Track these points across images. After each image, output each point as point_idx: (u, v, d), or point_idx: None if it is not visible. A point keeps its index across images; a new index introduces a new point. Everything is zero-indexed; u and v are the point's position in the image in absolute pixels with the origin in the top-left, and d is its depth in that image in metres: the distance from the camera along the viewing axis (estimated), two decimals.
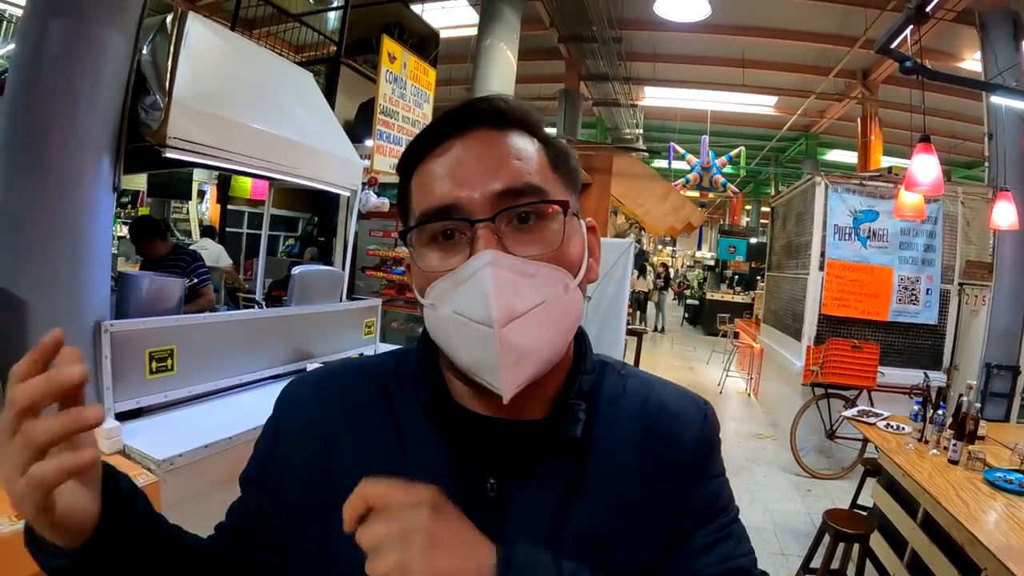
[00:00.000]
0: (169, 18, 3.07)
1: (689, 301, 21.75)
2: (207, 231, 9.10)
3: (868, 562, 3.80)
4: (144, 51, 2.93)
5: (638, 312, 17.70)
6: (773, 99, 15.19)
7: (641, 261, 19.66)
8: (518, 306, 0.70)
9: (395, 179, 0.88)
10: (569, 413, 0.82)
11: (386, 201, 6.38)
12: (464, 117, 0.78)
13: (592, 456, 0.83)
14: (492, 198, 0.73)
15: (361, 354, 4.16)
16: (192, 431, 2.76)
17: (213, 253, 7.59)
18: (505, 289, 0.70)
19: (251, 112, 3.41)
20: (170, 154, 2.87)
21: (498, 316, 0.69)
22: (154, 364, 2.87)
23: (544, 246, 0.75)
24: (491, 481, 0.79)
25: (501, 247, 0.73)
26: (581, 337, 0.88)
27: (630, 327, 9.72)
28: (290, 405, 0.90)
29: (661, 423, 0.88)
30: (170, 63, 2.92)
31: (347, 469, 0.77)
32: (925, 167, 4.49)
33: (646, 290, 18.32)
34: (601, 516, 0.80)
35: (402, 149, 0.85)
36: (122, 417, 2.71)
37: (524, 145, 0.78)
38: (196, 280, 4.73)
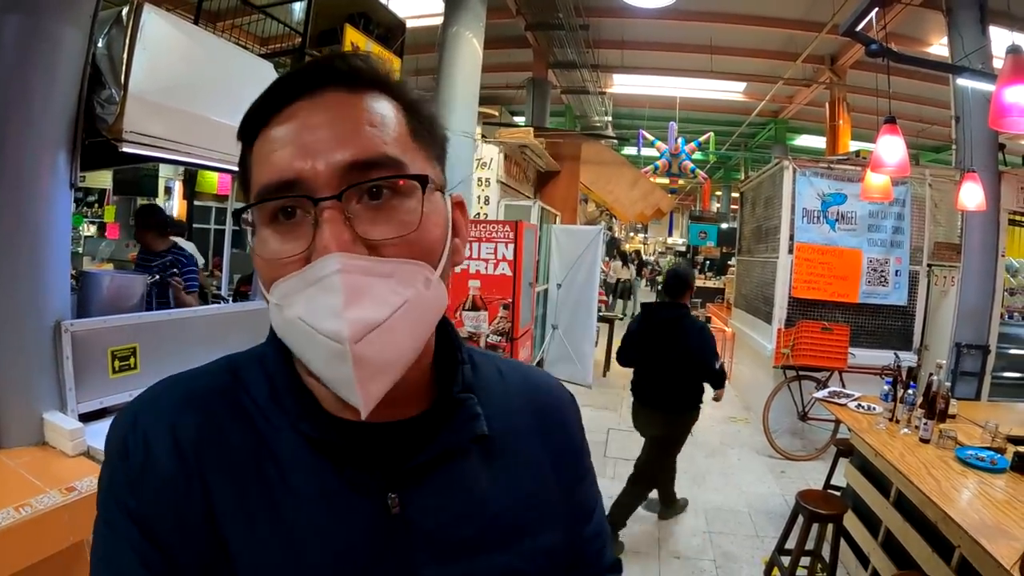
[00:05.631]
0: (124, 10, 3.00)
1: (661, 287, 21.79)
2: (177, 229, 8.91)
3: (843, 542, 3.83)
4: (99, 44, 2.86)
5: (618, 300, 17.80)
6: (741, 85, 15.24)
7: (619, 249, 19.75)
8: (374, 316, 0.63)
9: None
10: (464, 409, 0.79)
11: None
12: (314, 76, 0.70)
13: (497, 449, 0.81)
14: (339, 171, 0.65)
15: None
16: None
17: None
18: (358, 299, 0.63)
19: (210, 104, 3.34)
20: (127, 148, 2.80)
21: (351, 334, 0.62)
22: (117, 363, 2.81)
23: (401, 226, 0.68)
24: (391, 496, 0.72)
25: (350, 231, 0.65)
26: (444, 323, 0.81)
27: (601, 314, 9.76)
28: (136, 455, 0.70)
29: (550, 409, 0.92)
30: (125, 56, 2.85)
31: (238, 527, 0.68)
32: (891, 148, 4.51)
33: (627, 278, 18.38)
34: (519, 508, 0.80)
35: None
36: (86, 418, 2.66)
37: (381, 109, 0.70)
38: (185, 284, 4.61)
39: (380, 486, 0.72)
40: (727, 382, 5.40)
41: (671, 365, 4.59)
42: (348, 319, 0.62)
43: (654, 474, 4.81)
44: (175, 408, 0.73)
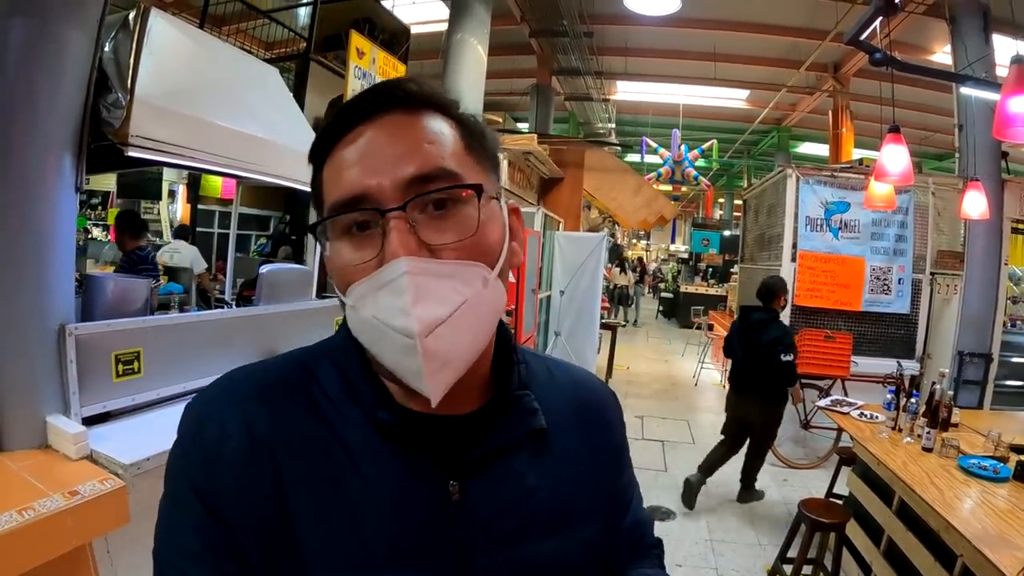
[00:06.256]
0: (131, 14, 3.00)
1: (663, 294, 21.78)
2: (180, 232, 8.84)
3: (845, 550, 3.82)
4: (106, 48, 2.86)
5: (619, 307, 17.74)
6: (745, 93, 15.24)
7: (619, 256, 19.70)
8: (439, 313, 0.69)
9: None
10: (521, 405, 0.85)
11: None
12: (373, 102, 0.76)
13: (546, 443, 0.87)
14: (403, 185, 0.72)
15: None
16: (160, 434, 2.69)
17: (187, 256, 7.41)
18: (424, 297, 0.69)
19: (216, 109, 3.35)
20: (133, 153, 2.80)
21: (420, 329, 0.68)
22: (120, 367, 2.81)
23: (460, 232, 0.74)
24: (452, 484, 0.78)
25: (415, 238, 0.71)
26: (499, 326, 0.86)
27: (604, 321, 9.74)
28: (210, 436, 0.76)
29: (594, 407, 0.99)
30: (132, 60, 2.85)
31: (306, 507, 0.74)
32: (894, 157, 4.51)
33: (626, 283, 18.34)
34: (562, 500, 0.85)
35: None
36: (89, 422, 2.65)
37: (437, 127, 0.76)
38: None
39: (443, 474, 0.78)
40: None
41: (757, 359, 5.32)
42: (415, 315, 0.68)
43: (764, 448, 5.76)
44: (249, 396, 0.79)
